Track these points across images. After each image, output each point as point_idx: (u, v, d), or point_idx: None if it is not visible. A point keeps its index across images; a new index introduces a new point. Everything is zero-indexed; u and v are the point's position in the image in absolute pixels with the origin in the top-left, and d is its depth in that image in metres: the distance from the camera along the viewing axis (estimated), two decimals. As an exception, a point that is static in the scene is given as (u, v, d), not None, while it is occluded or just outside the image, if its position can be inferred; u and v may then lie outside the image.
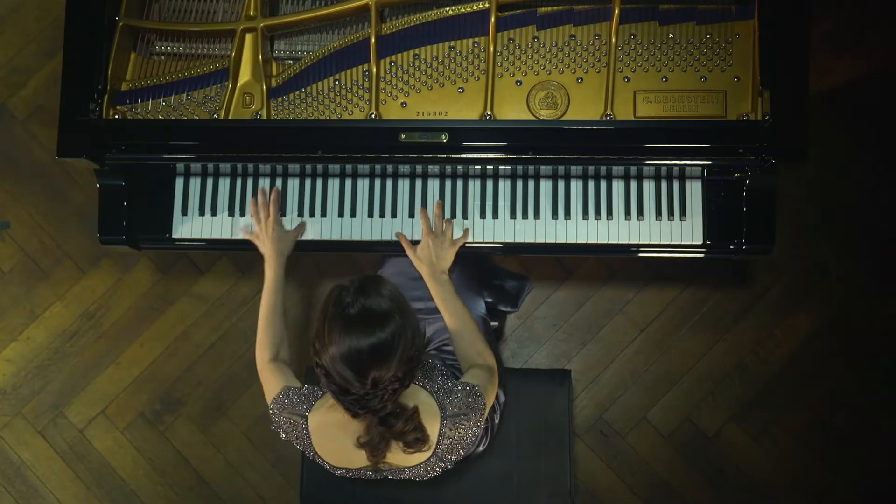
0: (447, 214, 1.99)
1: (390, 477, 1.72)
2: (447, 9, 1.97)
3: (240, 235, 2.01)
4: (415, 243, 1.95)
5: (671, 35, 1.95)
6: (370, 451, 1.60)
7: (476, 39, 1.97)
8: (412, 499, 2.05)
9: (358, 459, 1.65)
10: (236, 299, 2.66)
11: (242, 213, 2.03)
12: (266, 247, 1.94)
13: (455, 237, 1.96)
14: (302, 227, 2.00)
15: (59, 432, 2.67)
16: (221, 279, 2.67)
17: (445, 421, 1.63)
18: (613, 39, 1.92)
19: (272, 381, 1.77)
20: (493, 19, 1.93)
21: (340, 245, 2.02)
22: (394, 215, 2.01)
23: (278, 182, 2.02)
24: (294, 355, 2.63)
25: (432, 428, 1.63)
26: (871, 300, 2.57)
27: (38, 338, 2.69)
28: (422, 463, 1.66)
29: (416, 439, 1.59)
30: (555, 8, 1.97)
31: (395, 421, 1.56)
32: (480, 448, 1.96)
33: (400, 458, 1.65)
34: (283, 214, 2.02)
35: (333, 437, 1.65)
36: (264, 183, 2.03)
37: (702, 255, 1.99)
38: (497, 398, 1.97)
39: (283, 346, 1.88)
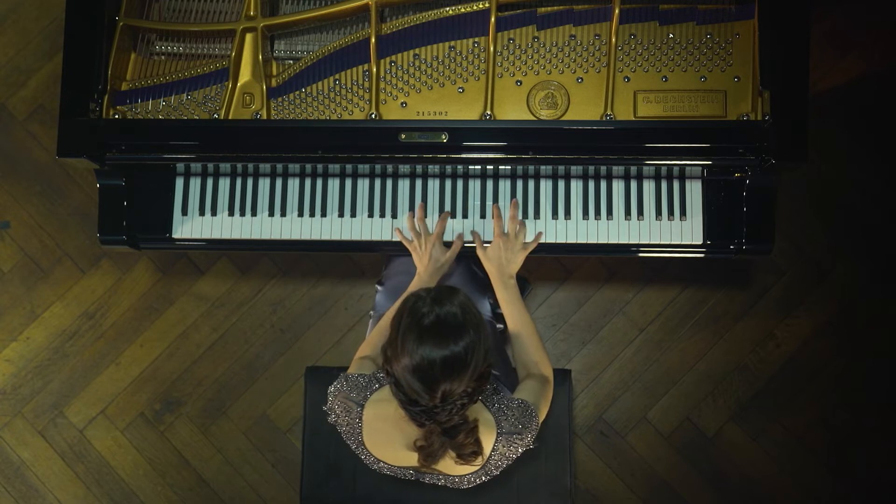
0: (442, 214, 1.99)
1: (427, 481, 1.71)
2: (447, 9, 1.97)
3: (395, 236, 1.98)
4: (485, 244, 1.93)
5: (671, 35, 1.95)
6: (425, 456, 1.57)
7: (476, 39, 1.97)
8: (413, 499, 2.05)
9: (405, 458, 1.63)
10: (236, 299, 2.66)
11: (242, 213, 2.03)
12: (423, 264, 1.91)
13: (527, 240, 1.94)
14: (459, 242, 1.95)
15: (59, 432, 2.67)
16: (221, 279, 2.67)
17: (501, 437, 1.62)
18: (613, 39, 1.92)
19: (352, 370, 1.76)
20: (493, 19, 1.93)
21: (340, 245, 2.02)
22: (394, 215, 2.01)
23: (278, 182, 2.02)
24: (295, 356, 2.65)
25: (487, 443, 1.61)
26: (871, 300, 2.57)
27: (38, 338, 2.69)
28: (468, 474, 1.65)
29: (473, 452, 1.58)
30: (555, 8, 1.97)
31: (458, 433, 1.54)
32: None
33: (448, 467, 1.63)
34: (284, 214, 2.02)
35: (386, 432, 1.63)
36: (264, 183, 2.03)
37: (702, 255, 1.99)
38: None
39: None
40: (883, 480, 2.53)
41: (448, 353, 1.43)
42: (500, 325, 2.39)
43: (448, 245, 1.95)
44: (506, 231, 1.93)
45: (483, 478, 1.67)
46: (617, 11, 1.91)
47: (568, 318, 2.62)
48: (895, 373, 2.55)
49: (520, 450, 1.65)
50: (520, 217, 1.97)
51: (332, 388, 1.69)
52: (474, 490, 2.05)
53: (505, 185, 2.00)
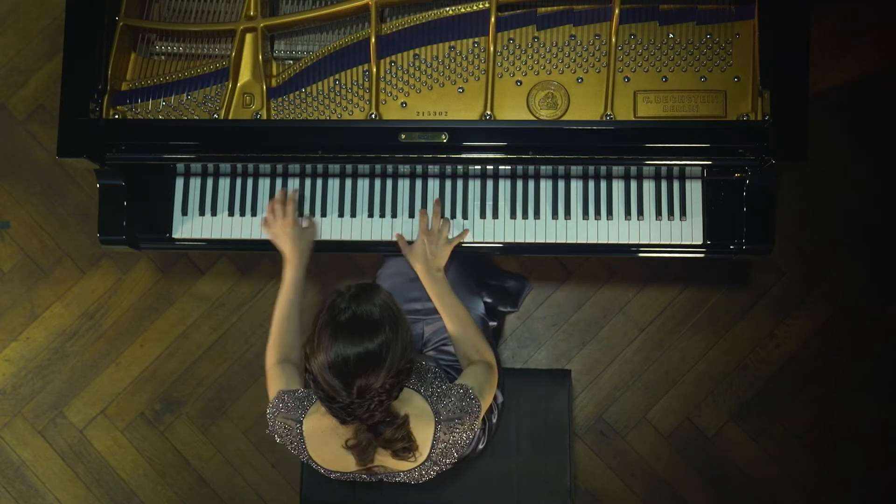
0: (447, 214, 1.99)
1: (385, 479, 1.72)
2: (447, 9, 1.97)
3: (260, 232, 2.00)
4: (411, 243, 1.95)
5: (671, 35, 1.95)
6: (357, 455, 1.60)
7: (476, 39, 1.96)
8: (412, 499, 2.05)
9: (351, 463, 1.65)
10: (236, 299, 2.66)
11: (242, 213, 2.03)
12: (286, 245, 1.93)
13: (452, 236, 1.96)
14: (312, 224, 2.00)
15: (59, 432, 2.67)
16: (221, 279, 2.67)
17: (440, 426, 1.63)
18: (613, 39, 1.92)
19: (274, 384, 1.76)
20: (493, 19, 1.93)
21: (340, 245, 2.02)
22: (394, 215, 2.01)
23: (278, 182, 2.03)
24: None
25: (426, 433, 1.62)
26: (871, 300, 2.57)
27: (38, 338, 2.69)
28: (416, 467, 1.66)
29: (404, 448, 1.59)
30: (555, 8, 1.97)
31: (384, 429, 1.56)
32: (480, 446, 1.96)
33: (392, 462, 1.65)
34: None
35: (326, 441, 1.65)
36: (264, 183, 2.03)
37: (702, 255, 1.99)
38: (495, 398, 1.97)
39: (296, 347, 1.86)
40: (883, 480, 2.53)
41: (362, 350, 1.45)
42: (492, 323, 2.40)
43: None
44: (429, 228, 1.95)
45: (436, 468, 1.68)
46: (617, 11, 1.91)
47: (568, 318, 2.62)
48: (895, 373, 2.55)
49: (465, 435, 1.66)
50: (447, 216, 1.99)
51: (268, 412, 1.71)
52: (474, 490, 2.06)
53: (505, 185, 2.00)
